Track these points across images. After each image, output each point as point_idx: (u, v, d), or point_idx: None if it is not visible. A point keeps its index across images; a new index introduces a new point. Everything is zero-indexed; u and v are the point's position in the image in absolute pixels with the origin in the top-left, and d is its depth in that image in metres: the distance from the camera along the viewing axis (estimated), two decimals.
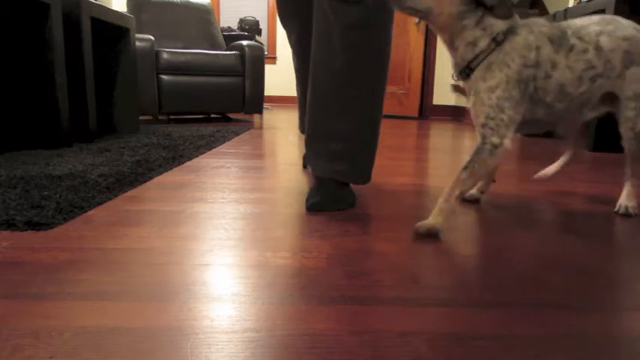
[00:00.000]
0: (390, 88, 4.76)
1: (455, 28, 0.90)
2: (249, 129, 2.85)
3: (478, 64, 0.91)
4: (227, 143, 2.15)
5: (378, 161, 1.74)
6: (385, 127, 3.38)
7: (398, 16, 4.58)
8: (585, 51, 0.95)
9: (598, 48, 0.96)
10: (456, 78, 0.98)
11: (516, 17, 0.91)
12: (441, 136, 2.87)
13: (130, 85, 2.34)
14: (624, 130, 1.02)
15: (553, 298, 0.61)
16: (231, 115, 4.04)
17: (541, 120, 0.98)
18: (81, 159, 1.53)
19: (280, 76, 6.21)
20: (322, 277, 0.65)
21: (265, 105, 5.47)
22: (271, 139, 2.41)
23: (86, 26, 1.88)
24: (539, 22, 0.94)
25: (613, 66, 0.96)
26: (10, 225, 0.82)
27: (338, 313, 0.55)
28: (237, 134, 2.48)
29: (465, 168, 0.92)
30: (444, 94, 4.72)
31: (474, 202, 1.16)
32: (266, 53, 6.03)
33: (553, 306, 0.58)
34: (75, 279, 0.62)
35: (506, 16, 0.89)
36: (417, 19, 4.45)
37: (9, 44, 1.68)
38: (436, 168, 1.63)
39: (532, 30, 0.92)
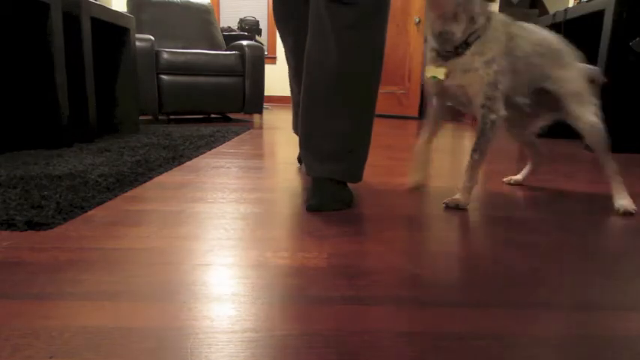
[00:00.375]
0: (390, 88, 4.76)
1: (456, 7, 0.96)
2: (249, 129, 2.85)
3: (475, 40, 0.98)
4: (227, 143, 2.15)
5: (378, 161, 1.74)
6: (385, 127, 3.38)
7: (398, 16, 4.58)
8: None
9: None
10: (441, 59, 1.03)
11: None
12: (440, 136, 2.87)
13: (130, 85, 2.34)
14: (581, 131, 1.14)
15: (553, 298, 0.61)
16: (231, 115, 4.04)
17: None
18: (81, 159, 1.53)
19: (280, 76, 6.21)
20: (322, 277, 0.65)
21: (265, 105, 5.47)
22: (271, 139, 2.41)
23: (86, 26, 1.88)
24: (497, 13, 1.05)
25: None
26: (10, 225, 0.82)
27: (338, 313, 0.55)
28: (237, 134, 2.48)
29: (475, 150, 1.05)
30: None
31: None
32: (266, 53, 6.03)
33: (553, 306, 0.59)
34: (75, 279, 0.62)
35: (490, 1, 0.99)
36: (417, 19, 4.45)
37: (9, 44, 1.68)
38: (436, 168, 1.63)
39: (498, 16, 1.04)
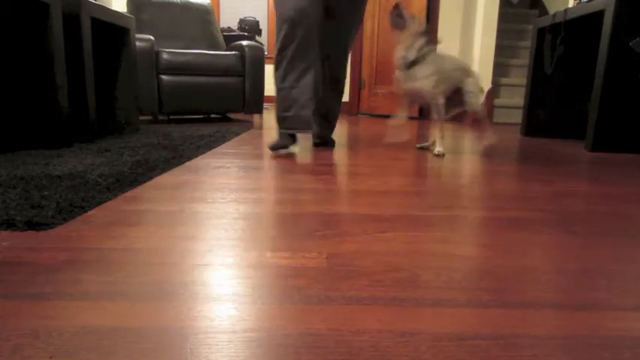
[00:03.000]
0: (390, 88, 4.76)
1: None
2: (249, 129, 2.85)
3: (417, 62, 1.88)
4: (227, 143, 2.15)
5: (378, 161, 1.74)
6: (385, 128, 3.38)
7: None
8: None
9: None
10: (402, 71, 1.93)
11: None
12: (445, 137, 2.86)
13: (130, 85, 2.34)
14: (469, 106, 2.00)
15: (553, 298, 0.61)
16: (231, 115, 4.04)
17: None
18: (81, 159, 1.53)
19: None
20: (322, 277, 0.65)
21: (265, 105, 5.47)
22: (271, 139, 2.41)
23: (86, 26, 1.88)
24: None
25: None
26: (10, 225, 0.82)
27: (338, 313, 0.55)
28: (237, 134, 2.48)
29: (435, 120, 1.95)
30: None
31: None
32: (266, 53, 6.03)
33: (553, 306, 0.58)
34: (75, 279, 0.62)
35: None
36: None
37: (9, 44, 1.68)
38: (436, 168, 1.63)
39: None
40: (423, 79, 1.84)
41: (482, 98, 2.10)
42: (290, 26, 1.75)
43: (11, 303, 0.55)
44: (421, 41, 1.85)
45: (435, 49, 1.88)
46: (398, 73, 1.91)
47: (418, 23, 1.87)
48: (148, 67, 2.87)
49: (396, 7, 1.87)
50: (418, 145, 2.17)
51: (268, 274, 0.66)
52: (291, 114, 1.84)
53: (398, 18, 1.86)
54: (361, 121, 4.00)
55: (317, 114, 2.04)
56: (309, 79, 1.81)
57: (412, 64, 1.84)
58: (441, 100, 1.89)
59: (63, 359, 0.44)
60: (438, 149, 1.94)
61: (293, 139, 1.93)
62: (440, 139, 1.97)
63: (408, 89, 1.91)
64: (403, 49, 1.86)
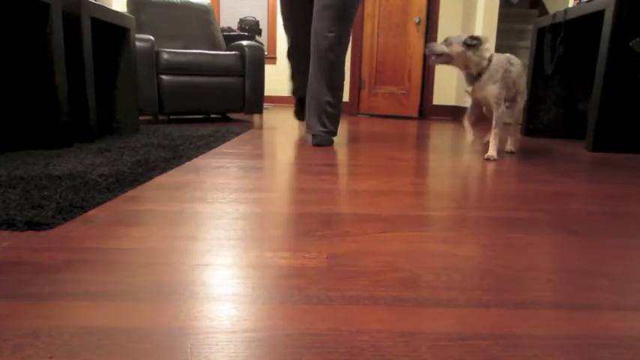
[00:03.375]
0: (389, 88, 4.76)
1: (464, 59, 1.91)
2: (249, 129, 2.85)
3: (483, 74, 1.90)
4: (227, 143, 2.15)
5: (379, 161, 1.74)
6: (385, 127, 3.38)
7: (398, 16, 4.58)
8: (517, 65, 1.95)
9: (520, 65, 1.96)
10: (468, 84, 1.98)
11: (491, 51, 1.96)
12: (441, 136, 2.87)
13: (130, 85, 2.34)
14: (516, 109, 2.07)
15: (553, 298, 0.61)
16: (231, 115, 4.04)
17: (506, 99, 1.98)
18: (81, 159, 1.53)
19: (280, 76, 6.21)
20: (322, 277, 0.65)
21: (265, 105, 5.47)
22: (271, 139, 2.41)
23: (86, 26, 1.88)
24: (500, 54, 1.94)
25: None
26: (10, 225, 0.82)
27: (338, 313, 0.55)
28: (237, 134, 2.48)
29: (494, 127, 1.93)
30: (444, 94, 4.72)
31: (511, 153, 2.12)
32: (266, 53, 6.03)
33: (553, 306, 0.59)
34: (75, 279, 0.62)
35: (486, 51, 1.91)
36: (417, 19, 4.45)
37: (9, 44, 1.68)
38: (436, 168, 1.63)
39: (499, 56, 1.91)
40: (492, 87, 1.88)
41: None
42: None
43: (11, 303, 0.55)
44: (477, 53, 1.86)
45: (495, 54, 1.90)
46: (467, 88, 1.99)
47: (456, 44, 1.88)
48: (148, 67, 2.87)
49: (427, 47, 1.96)
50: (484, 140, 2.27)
51: (268, 274, 0.66)
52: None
53: (438, 59, 1.94)
54: (361, 121, 4.00)
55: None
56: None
57: (478, 76, 1.89)
58: (503, 107, 1.90)
59: (63, 359, 0.44)
60: (489, 153, 1.90)
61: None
62: (494, 143, 1.92)
63: (477, 98, 2.00)
64: (464, 68, 1.92)
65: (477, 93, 1.92)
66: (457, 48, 1.86)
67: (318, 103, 2.14)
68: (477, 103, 2.04)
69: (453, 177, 1.47)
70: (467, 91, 1.99)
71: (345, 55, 2.14)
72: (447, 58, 1.91)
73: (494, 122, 1.92)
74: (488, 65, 1.86)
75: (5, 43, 1.67)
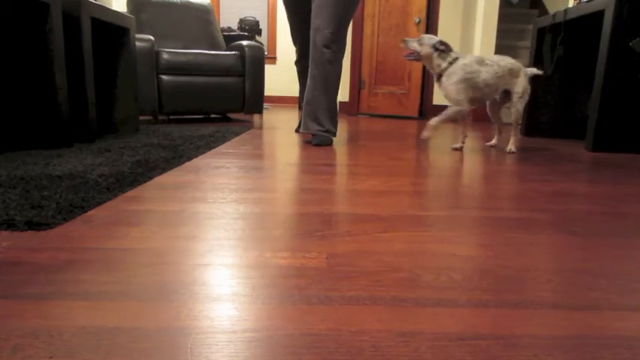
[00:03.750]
0: (389, 88, 4.76)
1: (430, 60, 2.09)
2: (249, 129, 2.85)
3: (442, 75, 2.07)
4: (227, 143, 2.15)
5: (379, 161, 1.74)
6: (385, 127, 3.38)
7: (398, 16, 4.58)
8: (493, 66, 2.05)
9: (499, 66, 2.06)
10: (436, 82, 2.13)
11: (457, 54, 2.08)
12: (440, 136, 2.87)
13: (130, 85, 2.34)
14: (513, 109, 2.12)
15: (553, 298, 0.61)
16: (231, 115, 4.04)
17: (478, 98, 2.09)
18: (81, 159, 1.53)
19: (280, 76, 6.21)
20: (322, 277, 0.65)
21: (265, 105, 5.48)
22: (271, 139, 2.41)
23: (86, 26, 1.88)
24: (468, 56, 2.07)
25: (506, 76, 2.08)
26: (10, 225, 0.82)
27: (338, 313, 0.55)
28: (237, 134, 2.48)
29: (438, 118, 2.08)
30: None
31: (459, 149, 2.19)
32: (266, 53, 6.03)
33: (553, 306, 0.59)
34: (75, 279, 0.62)
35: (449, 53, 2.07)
36: (417, 19, 4.45)
37: (9, 44, 1.68)
38: (436, 168, 1.63)
39: (465, 57, 2.06)
40: (449, 87, 2.04)
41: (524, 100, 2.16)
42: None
43: (11, 303, 0.55)
44: (441, 56, 2.05)
45: (461, 58, 2.05)
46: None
47: (426, 45, 2.05)
48: (148, 67, 2.87)
49: (404, 42, 2.10)
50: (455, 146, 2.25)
51: (268, 274, 0.66)
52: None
53: (410, 55, 2.10)
54: (361, 121, 4.00)
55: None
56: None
57: (440, 76, 2.07)
58: (465, 106, 2.05)
59: (63, 359, 0.44)
60: (457, 144, 2.20)
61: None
62: (463, 137, 2.20)
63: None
64: (430, 67, 2.11)
65: (442, 91, 2.11)
66: (427, 49, 2.06)
67: (315, 101, 2.15)
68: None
69: (453, 177, 1.47)
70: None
71: (342, 54, 2.15)
72: (417, 56, 2.09)
73: (441, 115, 2.09)
74: (447, 67, 2.04)
75: (5, 43, 1.67)
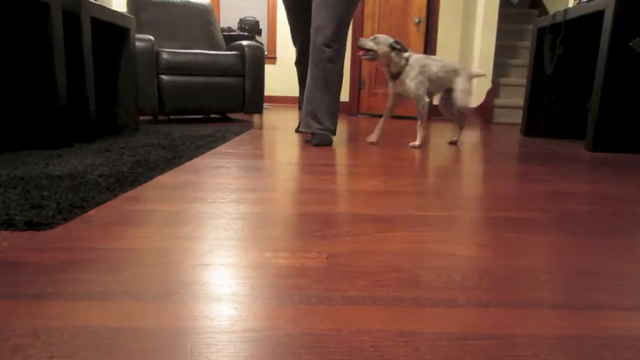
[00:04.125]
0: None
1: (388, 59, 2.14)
2: (249, 129, 2.85)
3: (401, 72, 2.16)
4: (227, 143, 2.15)
5: (379, 161, 1.74)
6: (385, 127, 3.38)
7: (398, 16, 4.58)
8: (440, 61, 2.20)
9: (444, 62, 2.20)
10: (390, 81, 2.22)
11: (410, 53, 2.17)
12: (440, 136, 2.87)
13: (130, 85, 2.34)
14: (456, 106, 2.24)
15: (553, 298, 0.61)
16: (231, 115, 4.04)
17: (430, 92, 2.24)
18: (81, 159, 1.53)
19: (280, 76, 6.21)
20: (322, 277, 0.65)
21: (265, 105, 5.47)
22: (271, 139, 2.41)
23: (86, 26, 1.88)
24: (416, 54, 2.19)
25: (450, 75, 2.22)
26: (10, 225, 0.82)
27: (338, 313, 0.55)
28: (237, 134, 2.48)
29: (419, 119, 2.20)
30: None
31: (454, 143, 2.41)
32: (266, 53, 6.03)
33: (553, 306, 0.59)
34: (75, 279, 0.62)
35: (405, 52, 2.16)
36: (417, 19, 4.45)
37: (9, 44, 1.68)
38: (436, 168, 1.63)
39: (415, 56, 2.16)
40: (409, 83, 2.14)
41: (469, 96, 2.30)
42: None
43: (11, 303, 0.55)
44: (398, 55, 2.13)
45: (413, 55, 2.16)
46: (389, 84, 2.25)
47: (383, 44, 2.11)
48: (148, 67, 2.87)
49: (358, 41, 2.16)
50: (411, 145, 2.27)
51: (268, 274, 0.66)
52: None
53: (367, 54, 2.15)
54: (361, 121, 4.00)
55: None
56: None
57: (398, 74, 2.16)
58: (425, 100, 2.17)
59: (63, 359, 0.44)
60: (414, 143, 2.22)
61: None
62: (420, 134, 2.22)
63: (399, 93, 2.24)
64: (386, 66, 2.17)
65: (398, 88, 2.18)
66: (383, 48, 2.10)
67: (315, 100, 2.17)
68: (397, 101, 2.28)
69: (453, 177, 1.47)
70: (390, 88, 2.25)
71: (343, 53, 2.16)
72: (374, 55, 2.12)
73: (418, 115, 2.19)
74: (405, 65, 2.12)
75: (5, 43, 1.67)
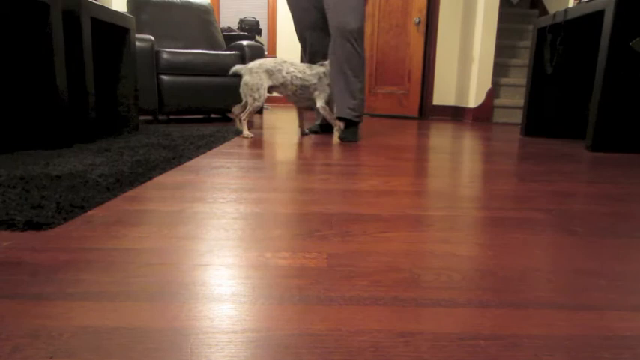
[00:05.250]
0: (390, 88, 4.76)
1: None
2: (249, 129, 2.84)
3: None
4: (227, 143, 2.15)
5: (379, 161, 1.74)
6: (385, 128, 3.38)
7: (398, 16, 4.58)
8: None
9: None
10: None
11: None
12: (440, 136, 2.87)
13: (130, 85, 2.34)
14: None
15: (553, 298, 0.61)
16: (232, 116, 4.03)
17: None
18: (81, 159, 1.53)
19: None
20: (322, 277, 0.65)
21: (265, 105, 5.47)
22: (271, 139, 2.41)
23: (86, 26, 1.88)
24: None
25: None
26: (10, 225, 0.82)
27: (338, 313, 0.55)
28: (238, 134, 2.48)
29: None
30: (443, 94, 4.72)
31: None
32: (266, 53, 6.03)
33: (553, 306, 0.59)
34: (75, 279, 0.62)
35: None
36: (417, 19, 4.45)
37: (9, 44, 1.68)
38: (436, 168, 1.63)
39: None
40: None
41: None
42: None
43: (11, 303, 0.55)
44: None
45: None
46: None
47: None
48: (148, 67, 2.87)
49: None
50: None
51: (268, 274, 0.66)
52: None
53: None
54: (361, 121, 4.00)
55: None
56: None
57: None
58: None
59: (63, 359, 0.44)
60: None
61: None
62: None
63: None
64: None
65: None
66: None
67: (346, 90, 2.34)
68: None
69: (453, 177, 1.47)
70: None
71: (363, 43, 2.33)
72: None
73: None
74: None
75: (5, 43, 1.67)
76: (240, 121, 2.44)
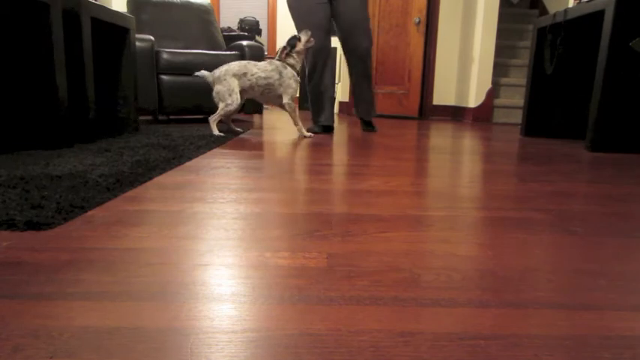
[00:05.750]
0: (390, 88, 4.76)
1: None
2: (249, 129, 2.85)
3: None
4: (227, 143, 2.15)
5: (379, 161, 1.74)
6: (385, 128, 3.38)
7: (398, 16, 4.58)
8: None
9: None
10: None
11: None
12: (440, 136, 2.87)
13: (130, 85, 2.34)
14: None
15: (553, 298, 0.61)
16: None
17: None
18: (81, 159, 1.53)
19: None
20: (322, 277, 0.65)
21: (265, 105, 5.47)
22: (271, 139, 2.41)
23: (86, 26, 1.88)
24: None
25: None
26: (10, 225, 0.82)
27: (338, 313, 0.55)
28: (236, 135, 2.48)
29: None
30: (443, 94, 4.72)
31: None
32: (266, 53, 6.02)
33: (553, 306, 0.59)
34: (75, 279, 0.62)
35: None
36: (417, 19, 4.45)
37: (9, 44, 1.68)
38: (436, 168, 1.63)
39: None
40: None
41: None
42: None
43: (11, 303, 0.55)
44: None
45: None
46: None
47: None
48: (148, 67, 2.87)
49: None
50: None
51: (268, 274, 0.66)
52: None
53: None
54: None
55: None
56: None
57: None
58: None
59: (63, 359, 0.44)
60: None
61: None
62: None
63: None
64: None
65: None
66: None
67: (367, 99, 2.92)
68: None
69: (453, 177, 1.47)
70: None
71: (372, 56, 3.03)
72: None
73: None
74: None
75: (5, 43, 1.67)
76: (210, 122, 2.45)
